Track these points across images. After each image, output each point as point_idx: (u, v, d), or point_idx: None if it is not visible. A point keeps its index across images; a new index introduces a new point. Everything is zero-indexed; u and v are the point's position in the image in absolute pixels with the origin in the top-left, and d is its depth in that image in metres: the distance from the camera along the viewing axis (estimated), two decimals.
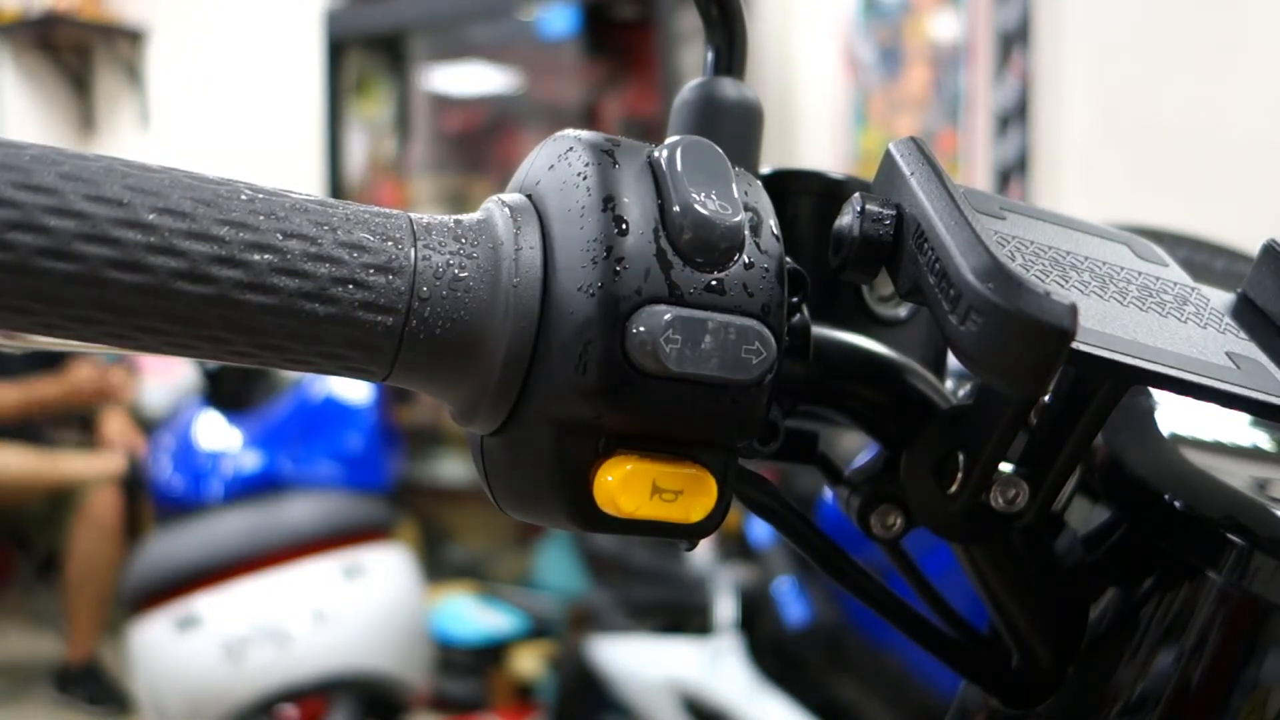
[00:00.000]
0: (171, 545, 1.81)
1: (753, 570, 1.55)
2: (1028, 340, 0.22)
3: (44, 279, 0.22)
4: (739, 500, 0.32)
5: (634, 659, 1.66)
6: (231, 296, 0.23)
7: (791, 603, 1.42)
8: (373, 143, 3.09)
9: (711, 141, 0.27)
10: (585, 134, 0.27)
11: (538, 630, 2.40)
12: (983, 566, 0.33)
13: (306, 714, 1.77)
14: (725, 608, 1.53)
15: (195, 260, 0.23)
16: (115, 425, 2.83)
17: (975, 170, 2.22)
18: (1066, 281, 0.27)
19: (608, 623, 1.82)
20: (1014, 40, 2.16)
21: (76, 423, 3.02)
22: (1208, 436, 0.36)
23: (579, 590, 2.15)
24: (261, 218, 0.24)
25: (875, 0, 2.34)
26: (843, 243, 0.27)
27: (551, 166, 0.27)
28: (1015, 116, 2.17)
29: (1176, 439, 0.34)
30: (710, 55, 0.36)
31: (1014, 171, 2.17)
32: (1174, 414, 0.36)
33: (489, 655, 2.39)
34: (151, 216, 0.23)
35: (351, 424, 2.26)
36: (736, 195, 0.26)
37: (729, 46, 0.36)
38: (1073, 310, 0.22)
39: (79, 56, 3.87)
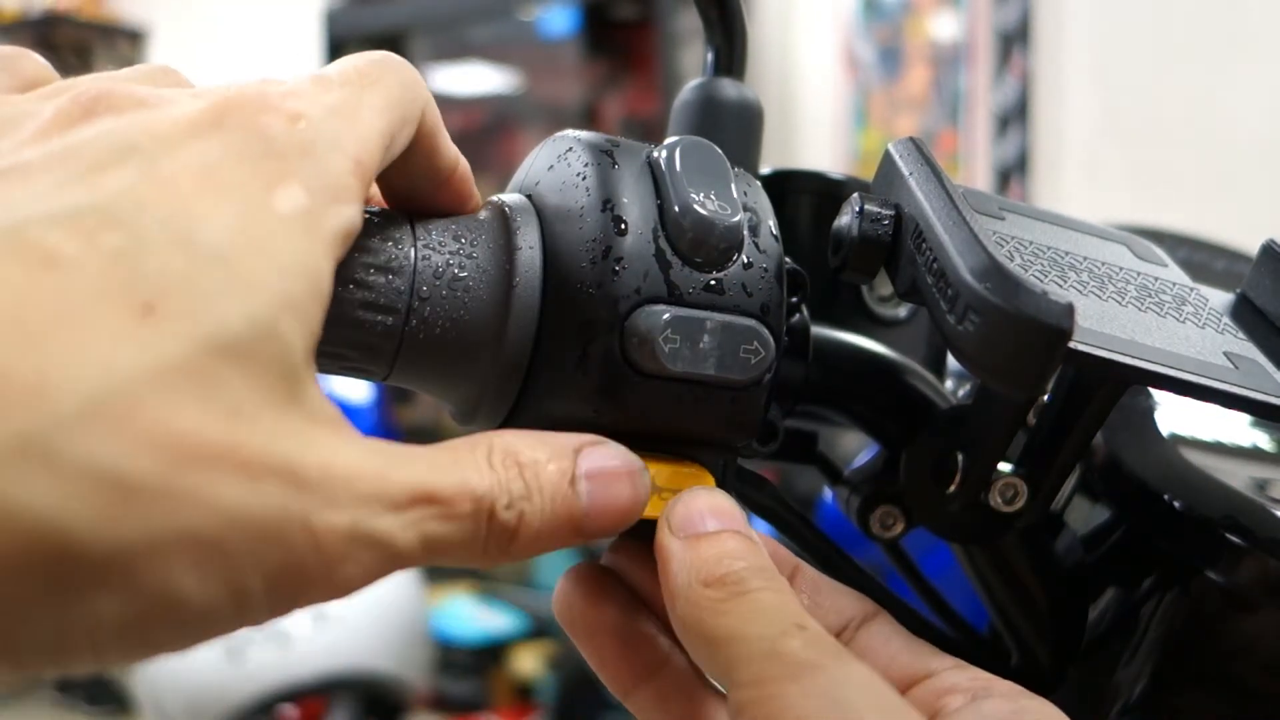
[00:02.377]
0: None
1: None
2: (1025, 340, 0.22)
3: None
4: (738, 500, 0.32)
5: None
6: None
7: None
8: None
9: (711, 142, 0.27)
10: (585, 134, 0.27)
11: (538, 630, 2.40)
12: (983, 566, 0.33)
13: (306, 714, 1.77)
14: None
15: None
16: None
17: (975, 170, 2.22)
18: (1065, 281, 0.27)
19: None
20: (1014, 40, 2.16)
21: None
22: (1207, 436, 0.36)
23: None
24: None
25: (875, 0, 2.34)
26: (841, 243, 0.27)
27: (551, 167, 0.27)
28: (1015, 116, 2.17)
29: (1176, 439, 0.34)
30: (710, 56, 0.36)
31: (1014, 171, 2.17)
32: (1174, 414, 0.36)
33: (489, 655, 2.39)
34: None
35: (351, 423, 2.25)
36: (735, 195, 0.26)
37: (729, 47, 0.36)
38: (1070, 310, 0.22)
39: (79, 56, 3.86)
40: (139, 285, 0.18)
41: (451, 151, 0.26)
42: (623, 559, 0.29)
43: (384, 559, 0.20)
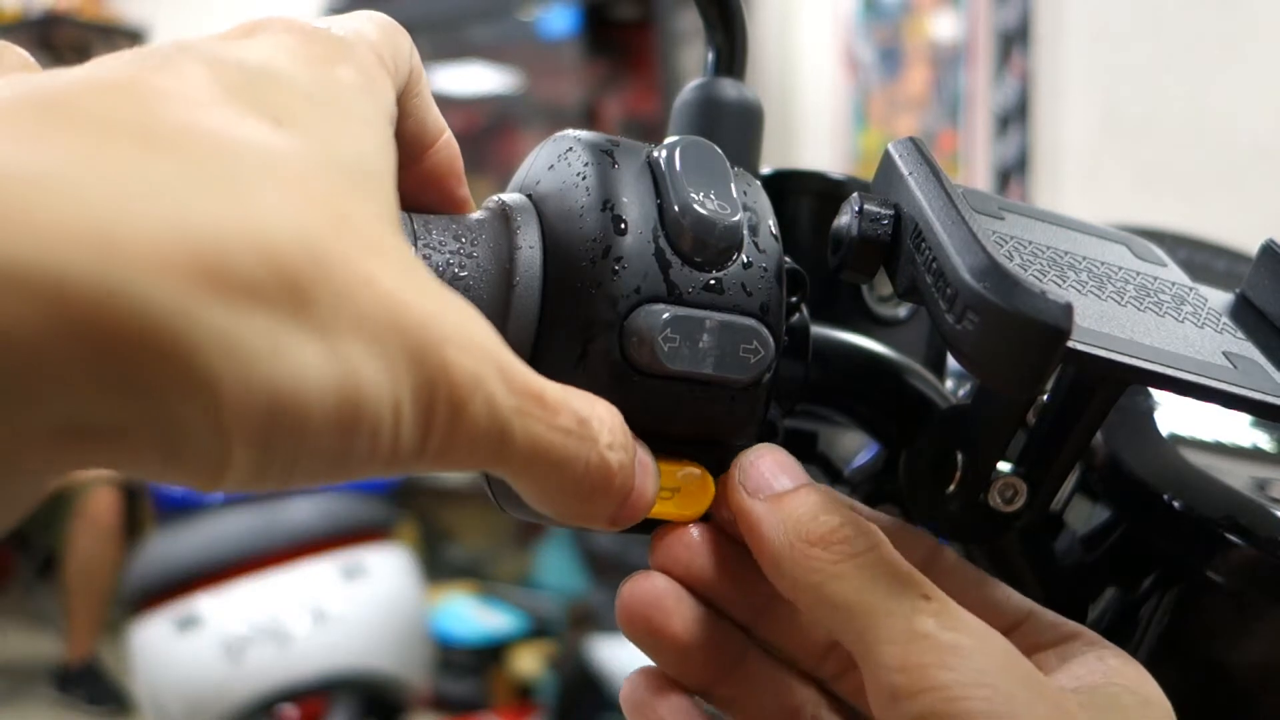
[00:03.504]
0: (171, 545, 1.81)
1: None
2: (1023, 339, 0.22)
3: None
4: None
5: (634, 659, 1.66)
6: None
7: None
8: None
9: (711, 142, 0.27)
10: (585, 134, 0.27)
11: (538, 630, 2.40)
12: (982, 566, 0.33)
13: (306, 714, 1.77)
14: None
15: None
16: None
17: (975, 170, 2.22)
18: (1064, 281, 0.27)
19: (608, 623, 1.82)
20: (1014, 40, 2.16)
21: None
22: (1207, 436, 0.36)
23: (579, 590, 2.15)
24: None
25: (875, 0, 2.34)
26: (841, 242, 0.27)
27: (551, 166, 0.27)
28: (1015, 116, 2.17)
29: (1176, 439, 0.34)
30: (711, 56, 0.36)
31: (1014, 171, 2.18)
32: (1174, 414, 0.36)
33: (489, 655, 2.39)
34: None
35: None
36: (735, 195, 0.26)
37: (729, 47, 0.36)
38: (1068, 309, 0.22)
39: (79, 56, 3.85)
40: (264, 103, 0.18)
41: (438, 115, 0.27)
42: (675, 554, 0.27)
43: (496, 430, 0.20)
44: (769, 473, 0.26)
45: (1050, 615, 0.27)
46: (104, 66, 0.18)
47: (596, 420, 0.23)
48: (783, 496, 0.25)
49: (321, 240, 0.17)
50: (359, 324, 0.18)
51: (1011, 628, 0.27)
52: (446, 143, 0.27)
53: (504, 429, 0.20)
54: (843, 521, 0.24)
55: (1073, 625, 0.26)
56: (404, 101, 0.26)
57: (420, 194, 0.27)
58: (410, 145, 0.26)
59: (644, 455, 0.25)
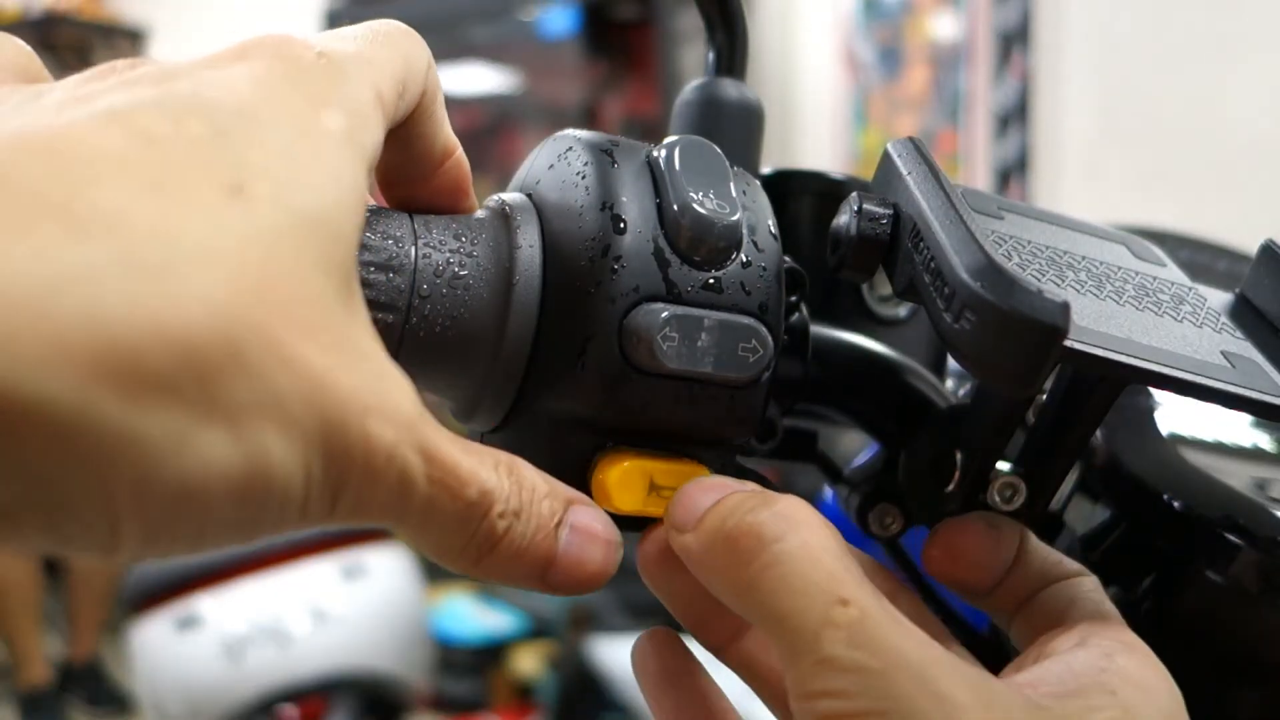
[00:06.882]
0: None
1: None
2: (1020, 338, 0.22)
3: None
4: None
5: None
6: None
7: None
8: None
9: (711, 142, 0.27)
10: (585, 134, 0.27)
11: (538, 630, 2.40)
12: None
13: (306, 714, 1.77)
14: None
15: None
16: None
17: (975, 170, 2.22)
18: (1062, 280, 0.27)
19: (608, 623, 1.83)
20: (1014, 40, 2.16)
21: None
22: (1207, 436, 0.36)
23: None
24: None
25: (875, 0, 2.34)
26: (840, 242, 0.27)
27: (551, 166, 0.27)
28: (1015, 116, 2.17)
29: (1175, 439, 0.34)
30: (711, 56, 0.36)
31: (1014, 171, 2.17)
32: (1173, 414, 0.36)
33: (489, 655, 2.39)
34: None
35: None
36: (734, 194, 0.26)
37: (730, 47, 0.36)
38: (1065, 308, 0.22)
39: (79, 56, 3.86)
40: (228, 167, 0.18)
41: (450, 134, 0.27)
42: (652, 555, 0.27)
43: (402, 496, 0.20)
44: (693, 498, 0.25)
45: (1047, 557, 0.27)
46: (50, 116, 0.18)
47: (499, 491, 0.22)
48: (703, 516, 0.24)
49: (243, 326, 0.17)
50: (272, 406, 0.18)
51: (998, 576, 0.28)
52: (456, 162, 0.27)
53: (409, 493, 0.21)
54: (750, 522, 0.23)
55: (1077, 589, 0.26)
56: (416, 123, 0.25)
57: (426, 206, 0.27)
58: (420, 164, 0.26)
59: (595, 526, 0.24)
